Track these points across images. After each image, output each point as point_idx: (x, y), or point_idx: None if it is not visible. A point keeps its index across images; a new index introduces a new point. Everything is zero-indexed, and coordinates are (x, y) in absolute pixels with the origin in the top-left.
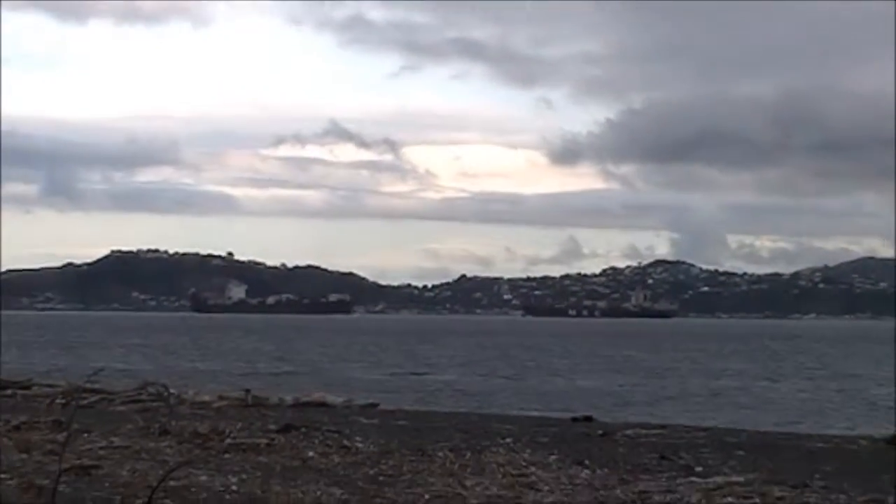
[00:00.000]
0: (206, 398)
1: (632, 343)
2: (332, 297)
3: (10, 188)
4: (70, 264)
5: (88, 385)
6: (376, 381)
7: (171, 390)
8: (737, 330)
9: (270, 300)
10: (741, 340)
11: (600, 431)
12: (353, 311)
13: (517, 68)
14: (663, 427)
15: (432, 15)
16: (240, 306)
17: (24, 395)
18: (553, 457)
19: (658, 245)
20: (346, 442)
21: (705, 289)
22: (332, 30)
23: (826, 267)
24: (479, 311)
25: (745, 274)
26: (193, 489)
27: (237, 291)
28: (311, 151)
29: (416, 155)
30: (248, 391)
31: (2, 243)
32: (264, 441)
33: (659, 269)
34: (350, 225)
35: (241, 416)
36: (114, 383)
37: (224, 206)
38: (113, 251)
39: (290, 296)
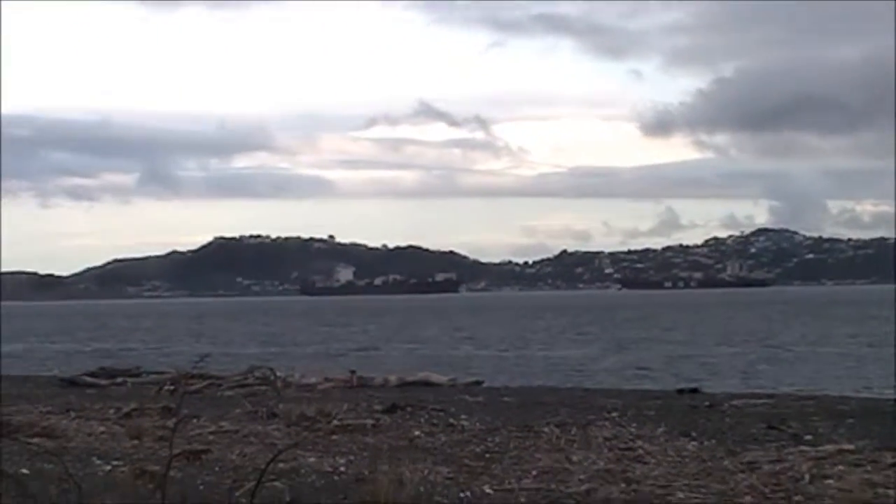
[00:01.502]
0: (312, 380)
1: (730, 312)
2: (439, 277)
3: (109, 178)
4: (174, 252)
5: (196, 371)
6: (481, 358)
7: (278, 374)
8: (841, 296)
9: (377, 281)
10: (845, 306)
11: (707, 403)
12: (459, 290)
13: (605, 41)
14: (770, 397)
15: None
16: (347, 288)
17: (134, 383)
18: (660, 429)
19: (757, 214)
20: (451, 420)
21: (809, 256)
22: (419, 9)
23: None
24: (581, 285)
25: (849, 240)
26: (302, 471)
27: (345, 274)
28: (403, 132)
29: (507, 132)
30: (353, 372)
31: (104, 233)
32: (370, 422)
33: (762, 238)
34: (446, 204)
35: (347, 398)
36: (221, 368)
37: (320, 189)
38: (216, 237)
39: (398, 276)
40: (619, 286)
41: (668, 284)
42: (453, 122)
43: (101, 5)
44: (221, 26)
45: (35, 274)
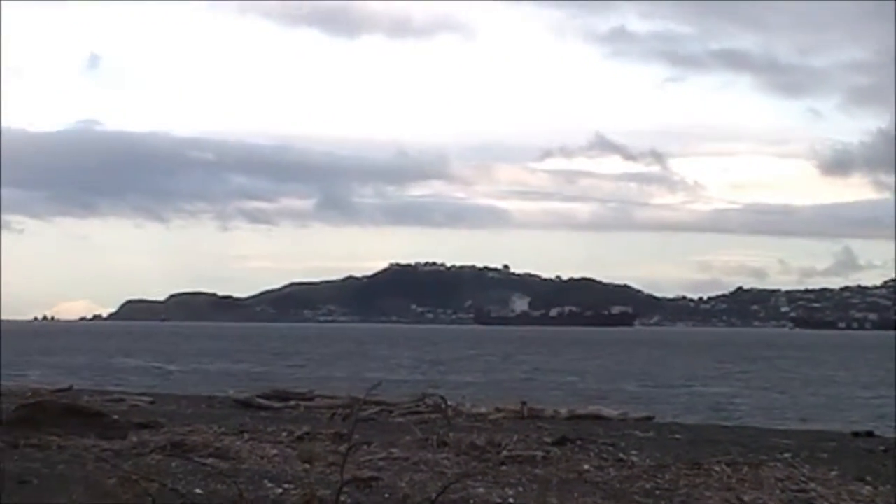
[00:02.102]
0: (483, 410)
1: None
2: (615, 310)
3: (287, 203)
4: (350, 277)
5: (368, 397)
6: (651, 393)
7: (449, 402)
8: None
9: (553, 312)
10: None
11: (882, 447)
12: (633, 324)
13: (784, 78)
14: None
15: (694, 26)
16: (522, 318)
17: (307, 407)
18: (833, 472)
19: None
20: (621, 455)
21: None
22: (596, 41)
23: None
24: (756, 323)
25: None
26: (471, 501)
27: (520, 304)
28: (578, 164)
29: (683, 166)
30: (524, 403)
31: (281, 257)
32: (540, 453)
33: None
34: (620, 237)
35: (517, 428)
36: (393, 395)
37: (495, 219)
38: (392, 264)
39: (573, 308)
40: (791, 325)
41: (842, 325)
42: (629, 155)
43: (284, 32)
44: (401, 55)
45: (214, 295)
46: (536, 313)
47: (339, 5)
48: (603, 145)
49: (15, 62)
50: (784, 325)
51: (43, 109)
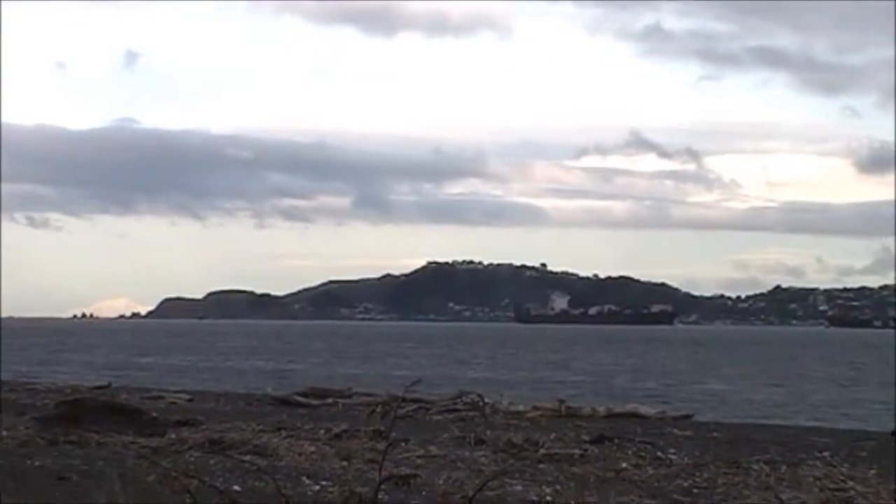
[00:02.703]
0: (521, 408)
1: None
2: (655, 308)
3: (323, 201)
4: (388, 275)
5: (406, 394)
6: (688, 391)
7: (486, 400)
8: None
9: (592, 311)
10: None
11: None
12: (673, 323)
13: (821, 76)
14: None
15: (731, 23)
16: (562, 317)
17: (346, 405)
18: (872, 471)
19: None
20: (659, 454)
21: None
22: (631, 39)
23: None
24: (794, 322)
25: None
26: (509, 499)
27: (560, 302)
28: (614, 162)
29: (719, 164)
30: (561, 402)
31: (318, 255)
32: (578, 452)
33: None
34: (657, 235)
35: (555, 427)
36: (431, 393)
37: (532, 217)
38: (429, 262)
39: (612, 306)
40: (827, 324)
41: (877, 323)
42: (664, 153)
43: (321, 30)
44: (438, 53)
45: (252, 293)
46: (576, 311)
47: (377, 4)
48: (639, 143)
49: (53, 60)
50: (821, 324)
51: (81, 107)
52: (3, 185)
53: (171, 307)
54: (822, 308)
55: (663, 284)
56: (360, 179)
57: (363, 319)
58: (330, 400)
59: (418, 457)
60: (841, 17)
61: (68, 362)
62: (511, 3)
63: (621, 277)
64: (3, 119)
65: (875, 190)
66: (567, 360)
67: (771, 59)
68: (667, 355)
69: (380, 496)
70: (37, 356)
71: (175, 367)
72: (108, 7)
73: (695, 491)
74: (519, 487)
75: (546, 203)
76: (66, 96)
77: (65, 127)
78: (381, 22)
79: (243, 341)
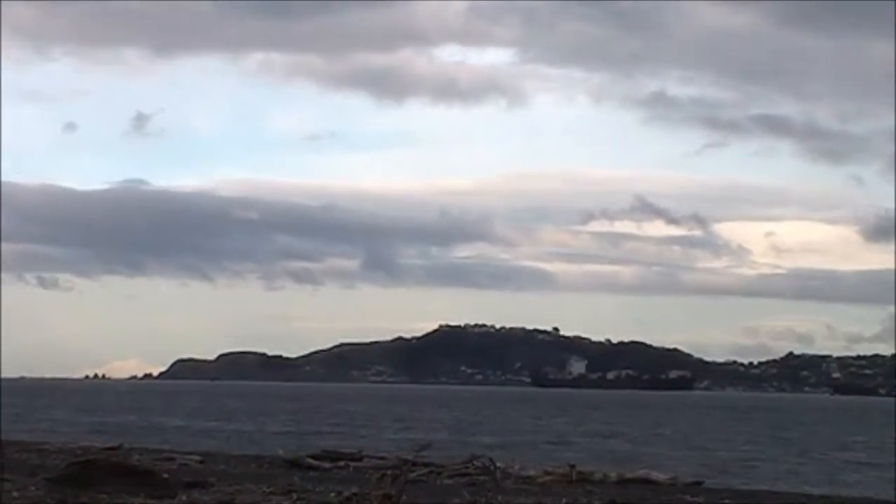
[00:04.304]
0: (532, 473)
1: None
2: (672, 374)
3: (332, 263)
4: (400, 338)
5: (417, 458)
6: (704, 456)
7: (498, 464)
8: None
9: (610, 375)
10: None
11: None
12: (692, 388)
13: (824, 144)
14: None
15: (733, 91)
16: (580, 381)
17: (356, 467)
18: None
19: None
20: None
21: None
22: (636, 106)
23: None
24: (807, 389)
25: None
26: None
27: (577, 367)
28: (621, 227)
29: (726, 230)
30: (572, 466)
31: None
32: None
33: None
34: (666, 301)
35: (566, 492)
36: (442, 456)
37: (541, 280)
38: (441, 325)
39: (629, 371)
40: (831, 391)
41: (882, 391)
42: (671, 219)
43: (330, 93)
44: (445, 118)
45: (263, 354)
46: (594, 376)
47: (386, 68)
48: (645, 208)
49: (63, 122)
50: (831, 392)
51: (90, 168)
52: (13, 246)
53: (184, 368)
54: (835, 376)
55: (675, 349)
56: (368, 242)
57: (375, 382)
58: (341, 462)
59: None
60: (842, 87)
61: (78, 423)
62: (518, 68)
63: (633, 342)
64: (12, 179)
65: (882, 258)
66: (581, 424)
67: (774, 126)
68: (693, 421)
69: None
70: (48, 416)
71: (187, 429)
72: (118, 69)
73: None
74: None
75: (554, 267)
76: (75, 157)
77: (74, 188)
78: (390, 86)
79: (256, 403)
